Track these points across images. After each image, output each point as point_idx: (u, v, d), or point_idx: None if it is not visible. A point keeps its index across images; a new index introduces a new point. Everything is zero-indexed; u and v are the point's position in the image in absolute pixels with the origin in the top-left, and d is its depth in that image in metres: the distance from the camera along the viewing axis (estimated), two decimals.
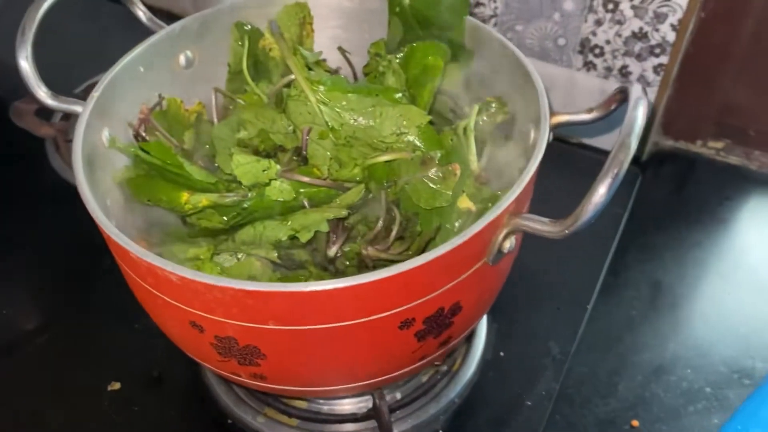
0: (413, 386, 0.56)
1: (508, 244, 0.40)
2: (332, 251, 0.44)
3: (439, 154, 0.44)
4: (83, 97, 0.79)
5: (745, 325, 0.62)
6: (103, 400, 0.56)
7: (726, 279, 0.67)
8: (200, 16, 0.54)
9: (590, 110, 0.46)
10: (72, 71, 0.81)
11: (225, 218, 0.45)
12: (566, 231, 0.37)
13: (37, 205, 0.74)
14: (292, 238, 0.43)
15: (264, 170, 0.44)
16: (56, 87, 0.49)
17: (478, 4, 0.77)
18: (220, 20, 0.55)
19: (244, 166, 0.44)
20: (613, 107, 0.44)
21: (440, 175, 0.43)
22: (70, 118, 0.78)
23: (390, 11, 0.54)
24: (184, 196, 0.44)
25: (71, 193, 0.74)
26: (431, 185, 0.43)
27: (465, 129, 0.46)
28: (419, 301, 0.39)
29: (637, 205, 0.73)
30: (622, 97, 0.42)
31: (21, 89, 0.78)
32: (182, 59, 0.54)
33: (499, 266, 0.43)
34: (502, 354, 0.59)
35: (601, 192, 0.37)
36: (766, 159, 0.78)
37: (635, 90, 0.40)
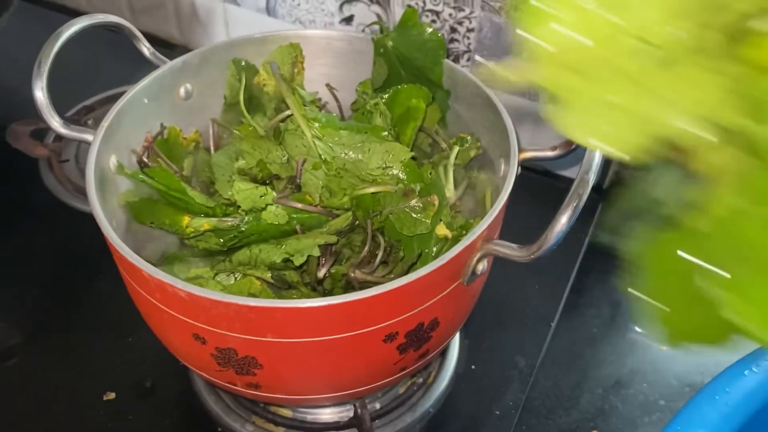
0: (391, 397, 0.60)
1: (481, 267, 0.45)
2: (321, 273, 0.49)
3: (419, 187, 0.49)
4: (75, 119, 0.83)
5: None
6: (99, 410, 0.59)
7: None
8: (200, 53, 0.58)
9: (554, 148, 0.51)
10: (64, 94, 0.84)
11: (222, 240, 0.49)
12: (532, 256, 0.43)
13: (31, 222, 0.76)
14: (286, 260, 0.47)
15: (261, 196, 0.48)
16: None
17: (452, 41, 0.82)
18: (217, 56, 0.59)
19: (244, 192, 0.48)
20: (574, 146, 0.50)
21: (420, 205, 0.48)
22: (62, 139, 0.81)
23: (375, 52, 0.59)
24: (186, 219, 0.48)
25: (63, 211, 0.79)
26: (413, 215, 0.48)
27: (445, 165, 0.51)
28: (402, 317, 0.43)
29: (598, 229, 0.78)
30: None
31: (15, 111, 0.83)
32: (182, 91, 0.59)
33: (473, 286, 0.48)
34: (473, 367, 0.64)
35: (562, 222, 0.42)
36: None
37: None
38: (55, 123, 0.50)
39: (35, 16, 1.00)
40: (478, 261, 0.45)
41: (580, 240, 0.76)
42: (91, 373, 0.62)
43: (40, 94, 0.50)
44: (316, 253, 0.47)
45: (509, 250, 0.44)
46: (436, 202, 0.47)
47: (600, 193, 0.82)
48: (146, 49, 0.57)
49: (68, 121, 0.81)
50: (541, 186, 0.81)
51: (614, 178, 0.84)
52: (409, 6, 0.81)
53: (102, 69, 0.92)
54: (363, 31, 0.84)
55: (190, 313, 0.43)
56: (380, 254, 0.49)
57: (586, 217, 0.79)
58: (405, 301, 0.43)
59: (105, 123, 0.51)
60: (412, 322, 0.44)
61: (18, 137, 0.77)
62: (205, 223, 0.48)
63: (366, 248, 0.48)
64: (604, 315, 0.70)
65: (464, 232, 0.46)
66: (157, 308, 0.45)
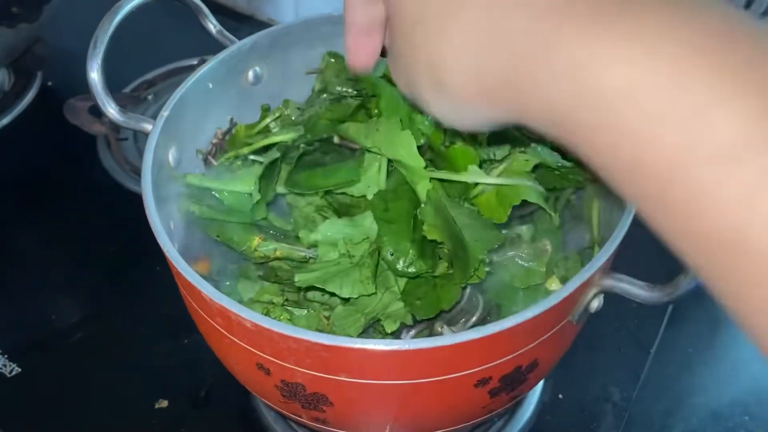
0: (468, 428, 0.54)
1: (596, 304, 0.38)
2: (407, 337, 0.42)
3: (530, 232, 0.42)
4: (134, 96, 0.78)
5: None
6: (151, 418, 0.55)
7: None
8: (271, 33, 0.51)
9: None
10: (123, 67, 0.80)
11: (295, 279, 0.42)
12: (665, 299, 0.35)
13: (86, 202, 0.72)
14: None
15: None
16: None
17: None
18: (290, 36, 0.53)
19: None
20: None
21: (531, 252, 0.41)
22: None
23: None
24: (256, 240, 0.43)
25: (120, 192, 0.74)
26: (522, 263, 0.41)
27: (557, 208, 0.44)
28: (499, 361, 0.37)
29: None
30: None
31: (76, 84, 0.78)
32: (251, 75, 0.52)
33: (581, 322, 0.40)
34: (560, 396, 0.57)
35: None
36: None
37: None
38: (111, 110, 0.45)
39: None
40: (593, 297, 0.38)
41: None
42: (144, 375, 0.58)
43: (95, 75, 0.45)
44: (409, 321, 0.40)
45: (636, 288, 0.36)
46: (549, 248, 0.40)
47: None
48: (212, 26, 0.51)
49: (128, 96, 0.78)
50: None
51: None
52: None
53: (163, 41, 0.87)
54: None
55: (254, 344, 0.37)
56: (476, 317, 0.41)
57: None
58: (504, 346, 0.36)
59: (165, 112, 0.45)
60: (508, 367, 0.38)
61: (76, 112, 0.73)
62: (277, 250, 0.42)
63: (459, 306, 0.41)
64: (702, 335, 0.62)
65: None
66: (217, 331, 0.39)
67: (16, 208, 0.72)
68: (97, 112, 0.76)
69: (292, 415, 0.43)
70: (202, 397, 0.57)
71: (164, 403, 0.56)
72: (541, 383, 0.57)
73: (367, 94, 0.45)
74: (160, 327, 0.61)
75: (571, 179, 0.43)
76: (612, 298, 0.62)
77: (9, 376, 0.58)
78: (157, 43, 0.86)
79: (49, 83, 0.83)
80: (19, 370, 0.58)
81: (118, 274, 0.67)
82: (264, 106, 0.52)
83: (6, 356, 0.59)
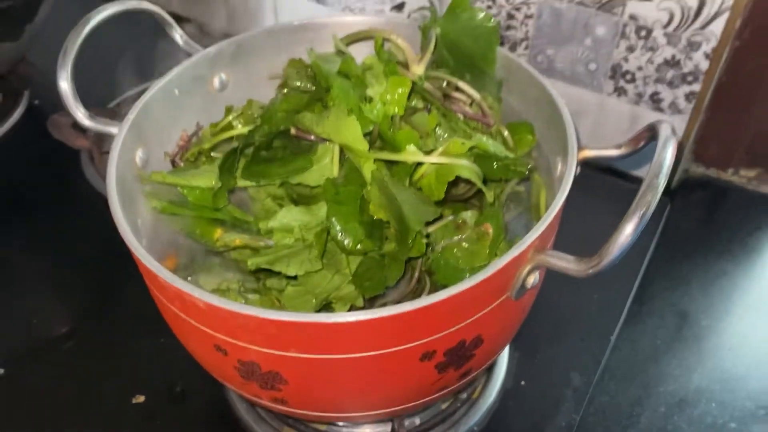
0: (432, 413, 0.56)
1: (532, 279, 0.40)
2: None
3: (473, 219, 0.44)
4: (114, 109, 0.82)
5: None
6: (128, 412, 0.57)
7: (754, 311, 0.66)
8: (235, 41, 0.55)
9: (619, 146, 0.45)
10: (110, 85, 0.83)
11: (251, 263, 0.44)
12: (590, 270, 0.37)
13: (70, 214, 0.75)
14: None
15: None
16: (89, 101, 0.50)
17: (509, 27, 0.77)
18: (253, 43, 0.56)
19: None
20: (641, 144, 0.44)
21: (474, 235, 0.43)
22: None
23: (422, 39, 0.54)
24: (217, 232, 0.45)
25: (103, 203, 0.77)
26: (467, 246, 0.43)
27: (498, 194, 0.47)
28: (441, 334, 0.39)
29: (665, 233, 0.72)
30: (650, 134, 0.42)
31: (60, 103, 0.82)
32: (216, 82, 0.55)
33: (522, 300, 0.43)
34: (523, 383, 0.59)
35: (627, 232, 0.37)
36: None
37: (664, 129, 0.40)
38: (80, 114, 0.48)
39: (81, 2, 0.99)
40: (529, 273, 0.40)
41: (644, 245, 0.70)
42: (122, 373, 0.61)
43: (65, 83, 0.48)
44: (360, 304, 0.43)
45: (565, 262, 0.39)
46: (491, 231, 0.43)
47: (668, 193, 0.76)
48: (179, 36, 0.54)
49: (110, 111, 0.81)
50: (603, 186, 0.75)
51: (683, 177, 0.78)
52: None
53: (150, 59, 0.90)
54: (409, 16, 0.79)
55: (210, 324, 0.39)
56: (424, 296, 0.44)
57: (652, 219, 0.74)
58: (444, 318, 0.38)
59: (131, 116, 0.48)
60: (452, 340, 0.40)
61: (59, 128, 0.76)
62: (237, 239, 0.44)
63: (409, 288, 0.44)
64: (669, 326, 0.65)
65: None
66: (177, 316, 0.42)
67: (3, 218, 0.75)
68: (80, 126, 0.80)
69: (255, 398, 0.45)
70: (177, 392, 0.59)
71: (141, 398, 0.58)
72: (503, 370, 0.59)
73: (322, 87, 0.48)
74: (138, 327, 0.64)
75: (513, 170, 0.46)
76: (573, 290, 0.65)
77: None
78: (141, 63, 0.89)
79: (36, 101, 0.86)
80: (2, 371, 0.61)
81: (99, 279, 0.69)
82: (228, 106, 0.55)
83: None
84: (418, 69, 0.48)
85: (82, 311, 0.67)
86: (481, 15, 0.51)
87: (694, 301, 0.67)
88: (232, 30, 0.99)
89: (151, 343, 0.62)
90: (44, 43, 0.83)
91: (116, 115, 0.80)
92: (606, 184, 0.76)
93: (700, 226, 0.75)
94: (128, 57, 0.88)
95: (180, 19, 1.00)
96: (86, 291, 0.69)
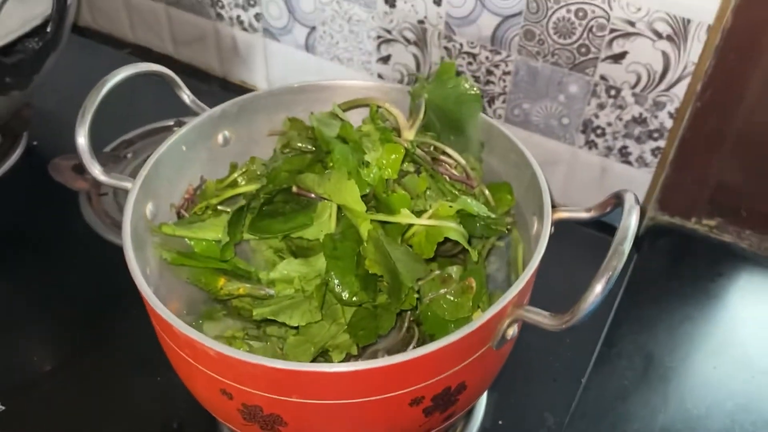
0: None
1: (512, 332, 0.45)
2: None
3: (458, 273, 0.49)
4: (115, 154, 0.85)
5: (731, 400, 0.65)
6: None
7: (715, 354, 0.69)
8: (238, 102, 0.59)
9: (588, 209, 0.50)
10: (104, 128, 0.87)
11: (254, 311, 0.48)
12: (563, 326, 0.42)
13: (68, 254, 0.78)
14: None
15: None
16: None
17: (488, 83, 0.82)
18: (255, 104, 0.60)
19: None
20: (608, 209, 0.49)
21: (459, 289, 0.48)
22: None
23: (411, 103, 0.59)
24: (221, 281, 0.49)
25: (101, 243, 0.80)
26: (451, 299, 0.47)
27: (480, 251, 0.51)
28: (429, 382, 0.43)
29: (633, 278, 0.76)
30: (617, 201, 0.47)
31: (60, 143, 0.85)
32: (220, 138, 0.60)
33: (502, 349, 0.47)
34: (500, 422, 0.63)
35: (596, 291, 0.41)
36: (756, 238, 0.82)
37: (629, 198, 0.45)
38: (96, 170, 0.51)
39: (79, 47, 1.03)
40: (509, 326, 0.44)
41: (613, 291, 0.74)
42: (118, 411, 0.63)
43: (83, 140, 0.51)
44: (354, 352, 0.47)
45: (541, 317, 0.43)
46: (474, 285, 0.47)
47: (635, 241, 0.80)
48: (187, 96, 0.58)
49: (108, 155, 0.85)
50: (578, 235, 0.80)
51: (650, 224, 0.83)
52: (446, 48, 0.81)
53: (141, 104, 0.94)
54: (400, 82, 0.84)
55: (218, 370, 0.43)
56: (412, 346, 0.48)
57: None
58: (432, 367, 0.42)
59: (143, 172, 0.52)
60: (438, 387, 0.44)
61: (60, 170, 0.79)
62: (240, 288, 0.48)
63: (399, 337, 0.48)
64: (636, 368, 0.69)
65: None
66: (186, 361, 0.45)
67: (2, 257, 0.77)
68: (79, 169, 0.83)
69: None
70: (174, 428, 0.62)
71: None
72: (482, 410, 0.63)
73: (323, 149, 0.52)
74: (135, 366, 0.66)
75: (494, 229, 0.50)
76: (547, 333, 0.68)
77: None
78: (135, 105, 0.93)
79: (34, 143, 0.89)
80: (3, 407, 0.63)
81: (96, 318, 0.72)
82: (233, 163, 0.59)
83: None
84: (409, 135, 0.53)
85: (80, 349, 0.69)
86: (466, 84, 0.57)
87: (659, 343, 0.71)
88: (223, 73, 1.03)
89: (148, 380, 0.65)
90: (43, 87, 0.86)
91: (118, 159, 0.83)
92: (581, 234, 0.81)
93: (666, 272, 0.79)
94: (120, 102, 0.92)
95: (173, 62, 1.05)
96: (84, 329, 0.71)
